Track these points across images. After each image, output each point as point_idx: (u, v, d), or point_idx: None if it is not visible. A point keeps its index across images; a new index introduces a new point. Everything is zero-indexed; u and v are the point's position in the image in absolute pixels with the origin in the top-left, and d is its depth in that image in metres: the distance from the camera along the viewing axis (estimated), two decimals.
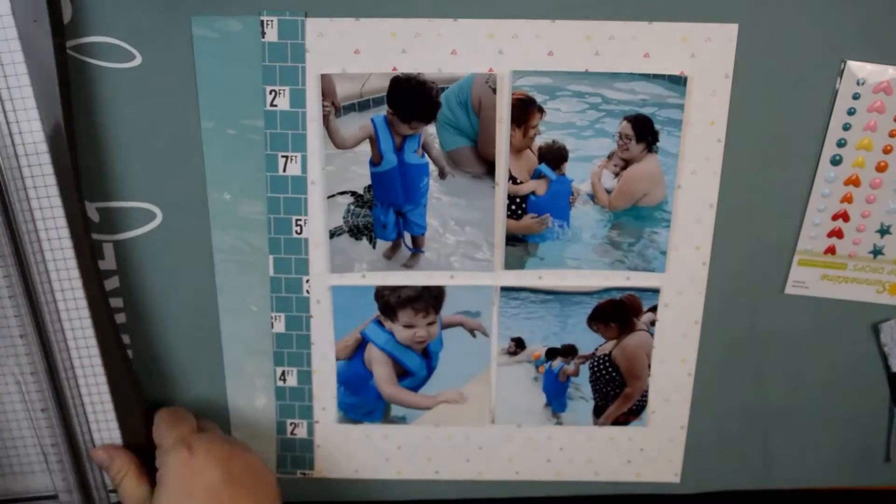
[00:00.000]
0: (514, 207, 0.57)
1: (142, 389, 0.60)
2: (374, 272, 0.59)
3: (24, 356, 0.54)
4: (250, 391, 0.62)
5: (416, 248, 0.58)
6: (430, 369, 0.62)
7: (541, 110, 0.55)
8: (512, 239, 0.58)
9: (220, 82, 0.54)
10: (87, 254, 0.53)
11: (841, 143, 0.55)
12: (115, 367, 0.56)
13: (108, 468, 0.56)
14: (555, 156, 0.56)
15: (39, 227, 0.52)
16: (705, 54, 0.53)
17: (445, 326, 0.60)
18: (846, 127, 0.55)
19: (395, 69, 0.54)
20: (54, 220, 0.52)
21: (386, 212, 0.57)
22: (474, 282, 0.59)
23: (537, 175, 0.56)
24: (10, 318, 0.53)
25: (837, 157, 0.56)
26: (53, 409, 0.56)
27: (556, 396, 0.63)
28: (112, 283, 0.58)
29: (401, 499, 0.66)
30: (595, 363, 0.62)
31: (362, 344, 0.61)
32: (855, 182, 0.56)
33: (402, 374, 0.62)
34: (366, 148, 0.56)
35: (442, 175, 0.56)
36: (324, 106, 0.54)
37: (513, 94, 0.54)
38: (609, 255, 0.58)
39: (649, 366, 0.62)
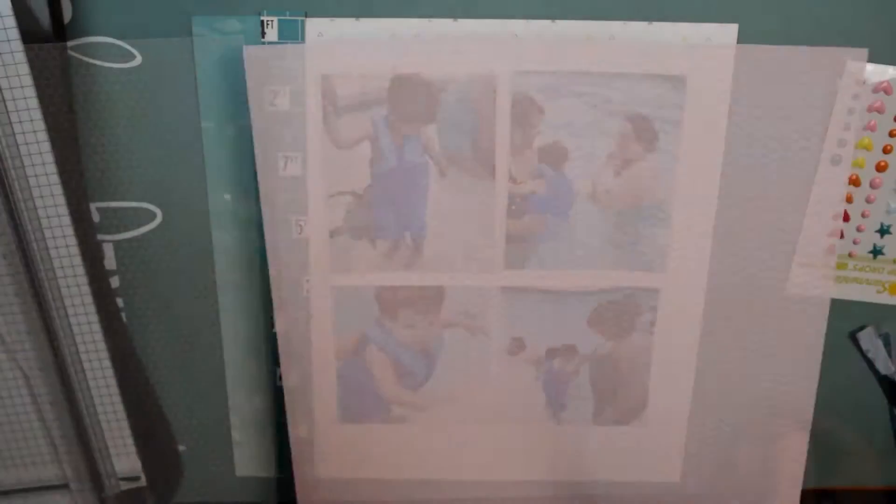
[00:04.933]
0: (514, 207, 0.57)
1: (147, 379, 0.60)
2: (374, 272, 0.59)
3: (32, 351, 0.55)
4: (250, 391, 0.62)
5: (416, 248, 0.58)
6: (430, 369, 0.62)
7: (541, 110, 0.55)
8: (512, 239, 0.58)
9: (220, 82, 0.54)
10: (92, 251, 0.53)
11: (841, 143, 0.55)
12: (122, 360, 0.57)
13: None
14: (555, 156, 0.56)
15: (44, 225, 0.52)
16: (705, 54, 0.53)
17: (445, 326, 0.60)
18: (846, 127, 0.55)
19: (395, 69, 0.54)
20: (59, 217, 0.52)
21: (386, 212, 0.57)
22: (474, 282, 0.59)
23: (537, 175, 0.56)
24: (17, 315, 0.53)
25: (837, 157, 0.56)
26: (62, 402, 0.56)
27: (556, 396, 0.63)
28: (112, 283, 0.58)
29: (401, 499, 0.66)
30: (595, 363, 0.62)
31: (362, 344, 0.61)
32: (855, 182, 0.56)
33: (403, 374, 0.62)
34: (366, 148, 0.56)
35: (442, 175, 0.56)
36: (324, 106, 0.54)
37: (513, 94, 0.54)
38: (609, 255, 0.58)
39: (649, 365, 0.61)
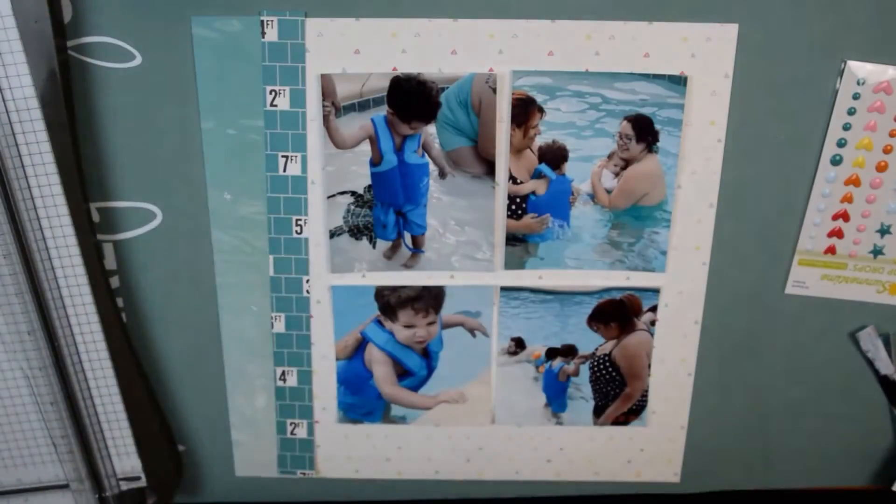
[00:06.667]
0: (514, 207, 0.57)
1: (147, 379, 0.60)
2: (374, 272, 0.59)
3: (32, 351, 0.55)
4: (250, 391, 0.62)
5: (416, 248, 0.58)
6: (431, 369, 0.62)
7: (541, 110, 0.55)
8: (512, 239, 0.58)
9: (220, 82, 0.54)
10: (91, 251, 0.53)
11: (841, 143, 0.55)
12: (122, 360, 0.57)
13: None
14: (555, 156, 0.56)
15: (44, 225, 0.52)
16: (705, 54, 0.53)
17: (445, 326, 0.60)
18: (846, 127, 0.55)
19: (395, 69, 0.54)
20: (59, 217, 0.52)
21: (386, 212, 0.57)
22: (474, 282, 0.59)
23: (537, 175, 0.56)
24: (17, 315, 0.53)
25: (837, 157, 0.56)
26: (62, 402, 0.56)
27: (556, 396, 0.63)
28: (112, 283, 0.58)
29: (401, 498, 0.66)
30: (595, 363, 0.62)
31: (362, 344, 0.61)
32: (855, 182, 0.56)
33: (403, 374, 0.62)
34: (366, 148, 0.56)
35: (442, 175, 0.56)
36: (324, 106, 0.54)
37: (513, 94, 0.54)
38: (609, 255, 0.58)
39: (649, 366, 0.62)
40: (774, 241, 0.58)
